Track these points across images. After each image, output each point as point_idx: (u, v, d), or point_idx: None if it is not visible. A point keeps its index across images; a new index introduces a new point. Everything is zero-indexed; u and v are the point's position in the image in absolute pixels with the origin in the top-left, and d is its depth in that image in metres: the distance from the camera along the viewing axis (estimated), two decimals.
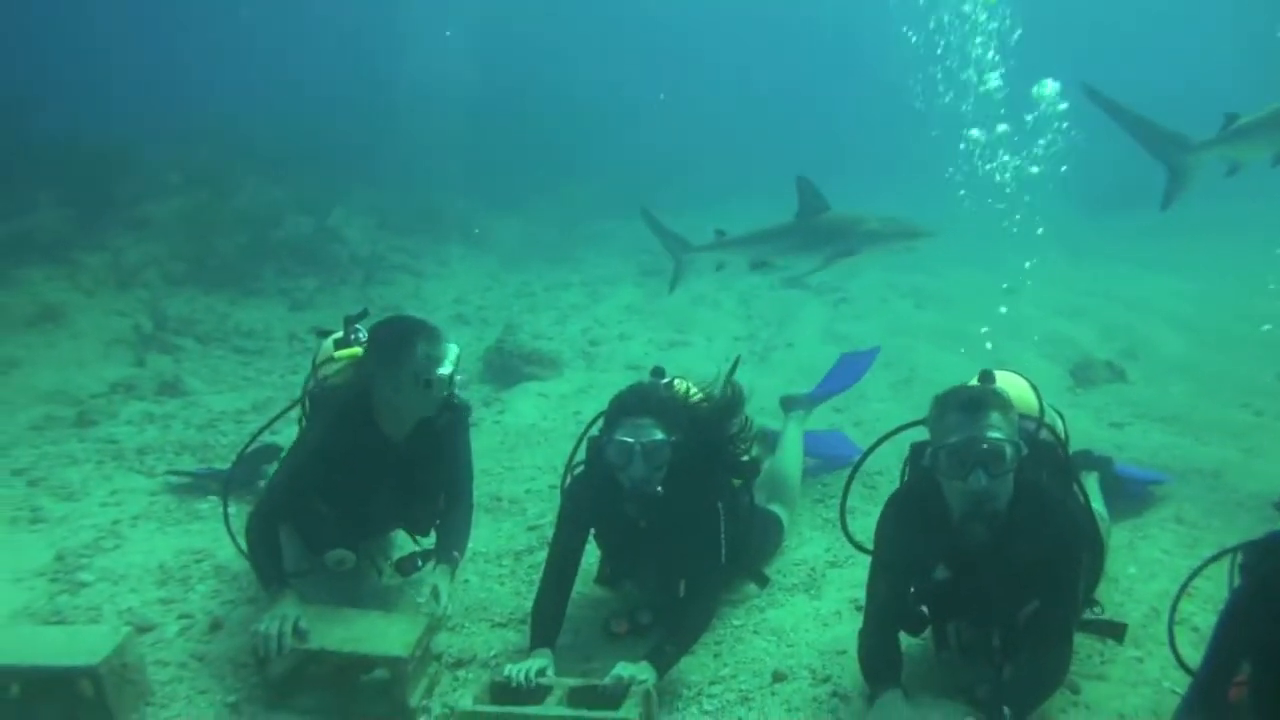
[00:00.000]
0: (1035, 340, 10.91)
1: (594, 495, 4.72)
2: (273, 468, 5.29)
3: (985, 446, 3.75)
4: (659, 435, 4.47)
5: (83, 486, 6.79)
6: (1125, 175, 17.95)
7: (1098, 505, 5.16)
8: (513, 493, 6.86)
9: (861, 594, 4.28)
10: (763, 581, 5.18)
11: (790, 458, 6.39)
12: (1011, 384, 4.55)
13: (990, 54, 13.11)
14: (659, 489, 4.48)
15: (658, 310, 13.32)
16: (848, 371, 7.82)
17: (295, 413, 5.29)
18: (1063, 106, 12.05)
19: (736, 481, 5.02)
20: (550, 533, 4.87)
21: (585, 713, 3.84)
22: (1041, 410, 4.68)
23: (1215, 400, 8.54)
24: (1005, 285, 12.88)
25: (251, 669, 4.38)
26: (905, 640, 4.13)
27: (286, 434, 5.35)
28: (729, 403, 4.93)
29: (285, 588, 4.44)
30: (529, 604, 4.65)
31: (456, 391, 4.88)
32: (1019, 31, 13.10)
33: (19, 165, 13.25)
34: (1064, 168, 12.89)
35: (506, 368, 9.96)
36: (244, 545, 4.70)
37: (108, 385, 9.26)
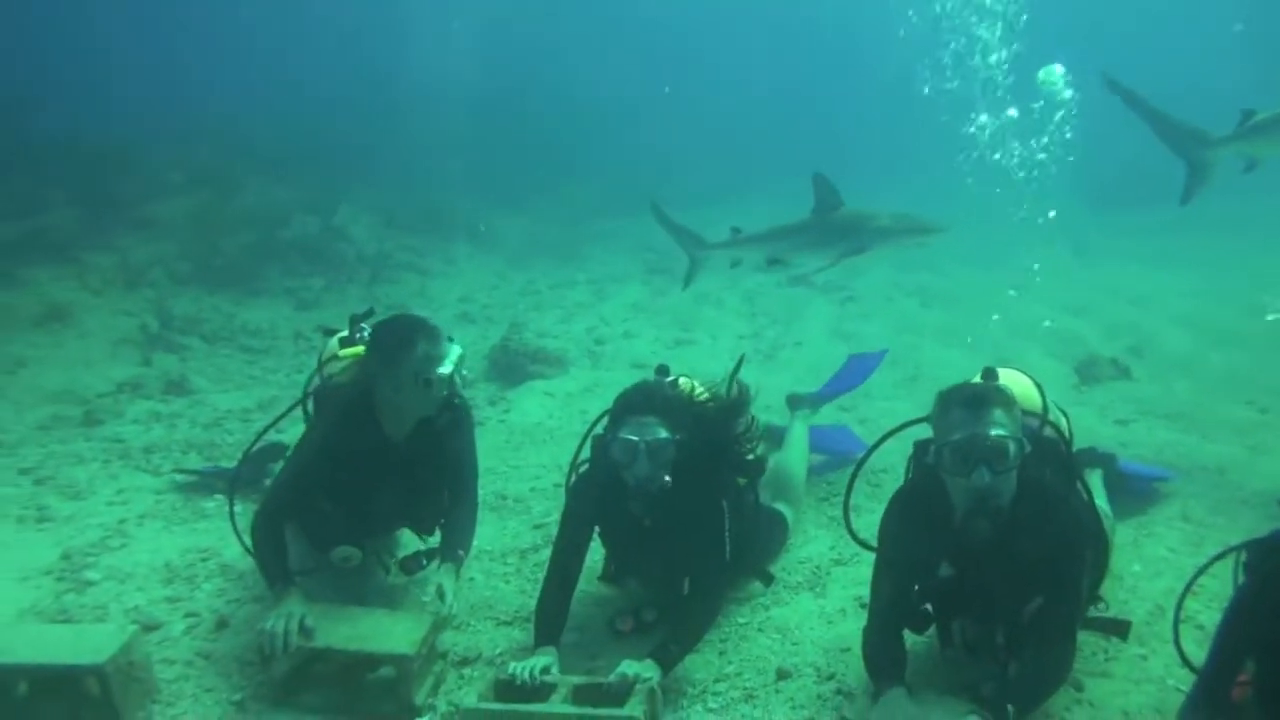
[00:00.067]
0: (1041, 335, 10.91)
1: (599, 493, 4.73)
2: (278, 466, 5.30)
3: (988, 443, 3.75)
4: (663, 434, 4.47)
5: (89, 485, 6.82)
6: (1130, 171, 18.04)
7: (1101, 502, 5.16)
8: (518, 491, 6.87)
9: (866, 592, 4.27)
10: (767, 579, 5.18)
11: (796, 456, 6.40)
12: (1015, 381, 4.54)
13: (997, 32, 12.99)
14: (667, 479, 4.48)
15: (663, 308, 13.32)
16: (855, 372, 7.84)
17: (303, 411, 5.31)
18: (1067, 94, 11.97)
19: (741, 480, 5.02)
20: (555, 531, 4.88)
21: (590, 710, 3.85)
22: (1045, 407, 4.67)
23: (1220, 397, 8.53)
24: (1012, 292, 12.85)
25: (257, 667, 4.39)
26: (910, 638, 4.14)
27: (292, 432, 5.35)
28: (735, 402, 4.93)
29: (291, 586, 4.46)
30: (534, 602, 4.66)
31: (459, 391, 4.89)
32: (1025, 17, 13.01)
33: (22, 165, 13.28)
34: (1070, 157, 12.81)
35: (512, 366, 9.96)
36: (250, 544, 4.72)
37: (114, 384, 9.29)
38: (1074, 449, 4.80)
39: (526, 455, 7.73)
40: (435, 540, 5.06)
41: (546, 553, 4.96)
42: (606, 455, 4.59)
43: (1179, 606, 4.05)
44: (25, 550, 5.72)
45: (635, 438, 4.45)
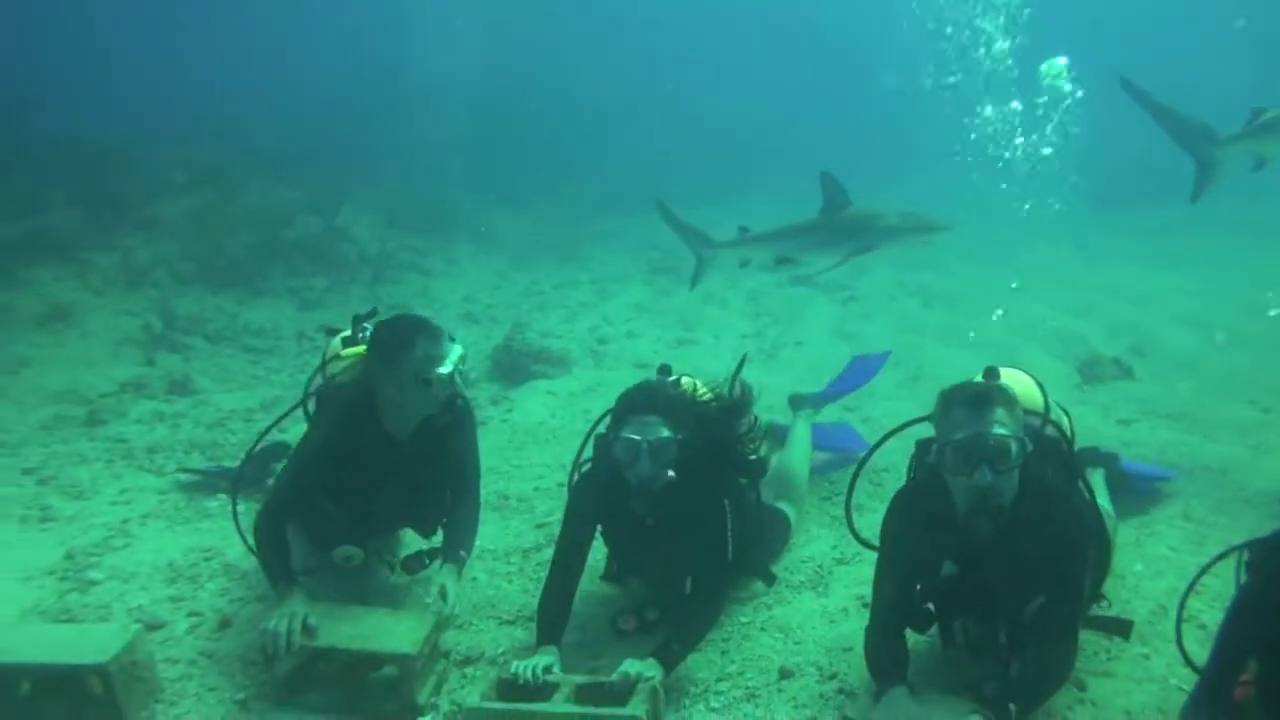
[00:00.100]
0: (1043, 335, 10.91)
1: (601, 493, 4.73)
2: (281, 465, 5.31)
3: (990, 442, 3.75)
4: (665, 433, 4.48)
5: (92, 485, 6.83)
6: (1129, 171, 18.01)
7: (1104, 501, 5.17)
8: (521, 491, 6.88)
9: (868, 591, 4.28)
10: (770, 579, 5.19)
11: (798, 456, 6.40)
12: (1017, 380, 4.54)
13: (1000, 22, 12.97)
14: (670, 473, 4.48)
15: (666, 308, 13.32)
16: (858, 373, 7.86)
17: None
18: (1068, 88, 11.95)
19: (743, 480, 5.03)
20: (558, 530, 4.88)
21: (592, 709, 3.85)
22: (1047, 406, 4.67)
23: (1223, 397, 8.52)
24: (1015, 284, 12.85)
25: (260, 666, 4.40)
26: (911, 637, 4.14)
27: (296, 432, 5.36)
28: (738, 403, 4.94)
29: (293, 585, 4.47)
30: (536, 601, 4.66)
31: (461, 390, 4.89)
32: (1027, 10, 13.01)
33: (24, 165, 13.29)
34: (1074, 141, 12.78)
35: (515, 366, 9.97)
36: (252, 543, 4.73)
37: (117, 384, 9.30)
38: (1076, 448, 4.80)
39: (529, 455, 7.73)
40: (437, 540, 5.06)
41: (549, 552, 4.96)
42: (609, 454, 4.60)
43: (1181, 606, 4.05)
44: (28, 550, 5.73)
45: (637, 437, 4.46)
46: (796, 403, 7.08)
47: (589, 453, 4.89)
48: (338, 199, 15.76)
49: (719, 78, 29.13)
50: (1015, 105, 12.42)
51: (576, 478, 4.95)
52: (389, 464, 4.82)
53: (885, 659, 3.97)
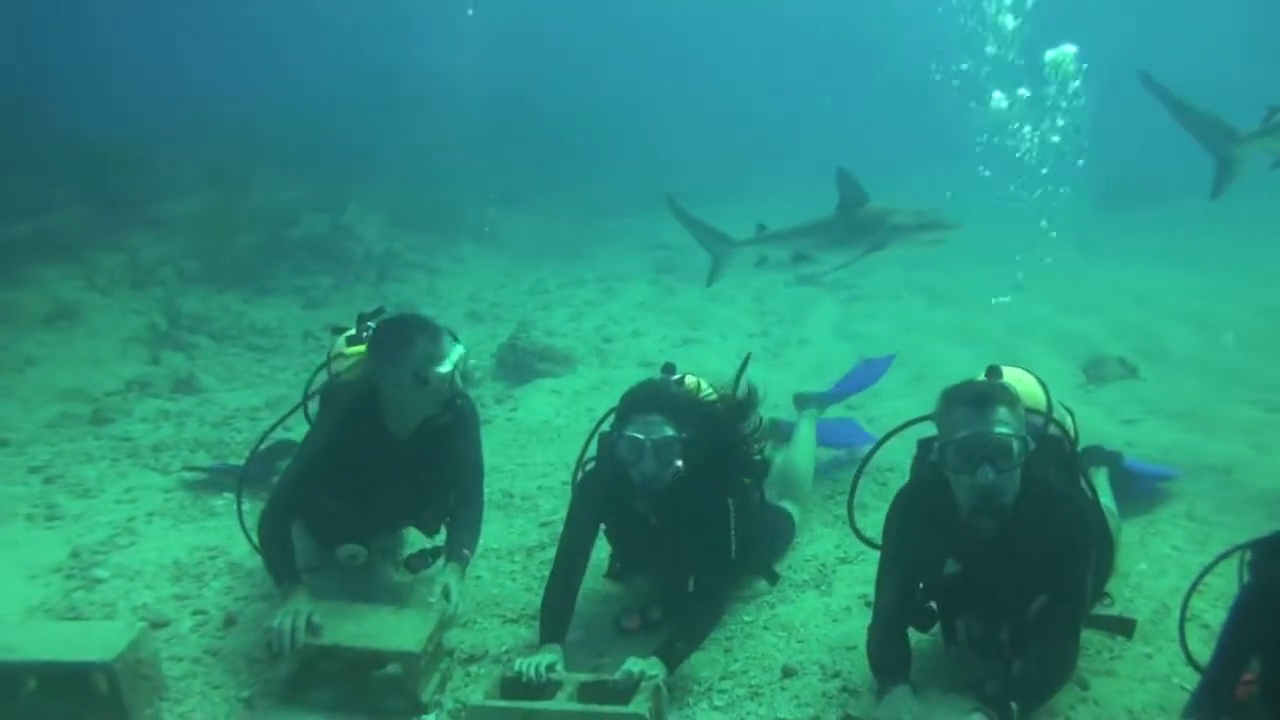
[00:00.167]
0: (1047, 334, 10.90)
1: (605, 491, 4.74)
2: (287, 463, 5.32)
3: (993, 441, 3.75)
4: (669, 432, 4.48)
5: (98, 483, 6.85)
6: (1131, 170, 17.98)
7: (1107, 500, 5.16)
8: (525, 489, 6.89)
9: (871, 590, 4.28)
10: (773, 578, 5.20)
11: (803, 455, 6.40)
12: (1019, 379, 4.54)
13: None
14: (679, 464, 4.49)
15: (671, 307, 13.30)
16: (864, 376, 7.89)
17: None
18: (1075, 84, 11.94)
19: (747, 480, 5.03)
20: (562, 529, 4.89)
21: (595, 707, 3.87)
22: (1049, 405, 4.67)
23: (1227, 397, 8.50)
24: (1019, 275, 12.84)
25: (265, 664, 4.42)
26: (914, 636, 4.15)
27: (300, 430, 5.37)
28: (743, 403, 4.95)
29: (298, 584, 4.48)
30: (540, 600, 4.67)
31: (462, 389, 4.90)
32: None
33: (29, 165, 13.32)
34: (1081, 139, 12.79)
35: (520, 364, 9.96)
36: (257, 541, 4.74)
37: (123, 383, 9.33)
38: (1079, 447, 4.80)
39: (533, 453, 7.74)
40: (440, 539, 5.07)
41: (553, 550, 4.97)
42: (613, 453, 4.60)
43: (1184, 605, 4.06)
44: (35, 548, 5.75)
45: (641, 435, 4.46)
46: (801, 402, 7.09)
47: (593, 451, 4.90)
48: (344, 198, 15.78)
49: (721, 76, 29.13)
50: (1023, 92, 12.40)
51: (580, 476, 4.97)
52: (390, 463, 4.82)
53: (888, 657, 3.98)
